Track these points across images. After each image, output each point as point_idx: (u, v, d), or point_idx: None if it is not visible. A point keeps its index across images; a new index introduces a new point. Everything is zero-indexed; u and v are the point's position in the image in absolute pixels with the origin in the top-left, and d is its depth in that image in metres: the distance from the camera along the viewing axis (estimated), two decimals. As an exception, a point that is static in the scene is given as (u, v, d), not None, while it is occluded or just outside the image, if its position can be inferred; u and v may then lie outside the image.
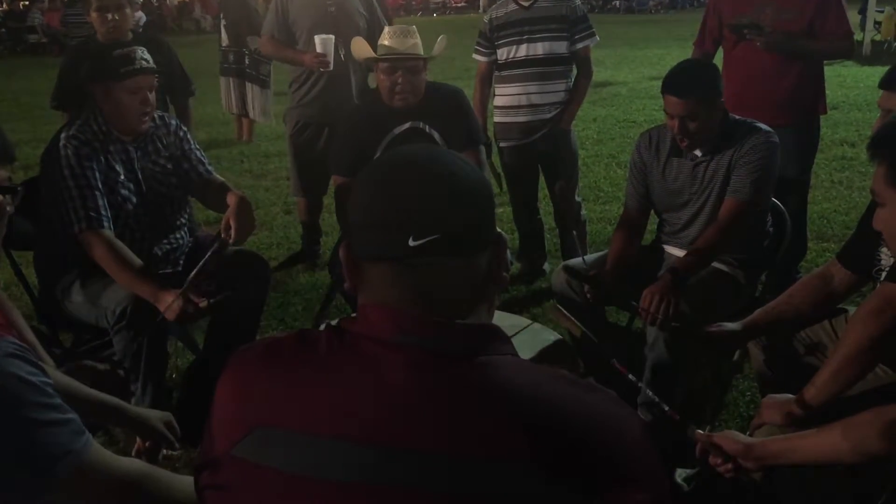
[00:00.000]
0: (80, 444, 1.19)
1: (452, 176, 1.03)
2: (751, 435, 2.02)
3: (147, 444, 1.81)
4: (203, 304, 2.57)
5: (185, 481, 1.28)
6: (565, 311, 2.25)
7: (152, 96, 2.81)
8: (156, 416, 1.81)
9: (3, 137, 1.39)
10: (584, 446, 0.93)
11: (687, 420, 1.86)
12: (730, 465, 1.77)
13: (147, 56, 2.79)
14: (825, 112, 3.87)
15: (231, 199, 2.82)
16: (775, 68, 3.65)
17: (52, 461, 1.16)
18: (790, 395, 1.96)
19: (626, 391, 2.68)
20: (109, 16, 3.70)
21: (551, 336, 2.68)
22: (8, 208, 1.38)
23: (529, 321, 2.82)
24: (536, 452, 0.91)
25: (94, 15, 3.72)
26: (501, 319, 2.68)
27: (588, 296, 2.80)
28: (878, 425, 1.58)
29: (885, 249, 2.07)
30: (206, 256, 2.63)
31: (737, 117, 2.83)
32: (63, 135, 2.76)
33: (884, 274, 2.04)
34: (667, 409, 1.80)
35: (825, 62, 3.87)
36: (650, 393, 1.94)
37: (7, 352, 1.15)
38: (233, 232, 2.72)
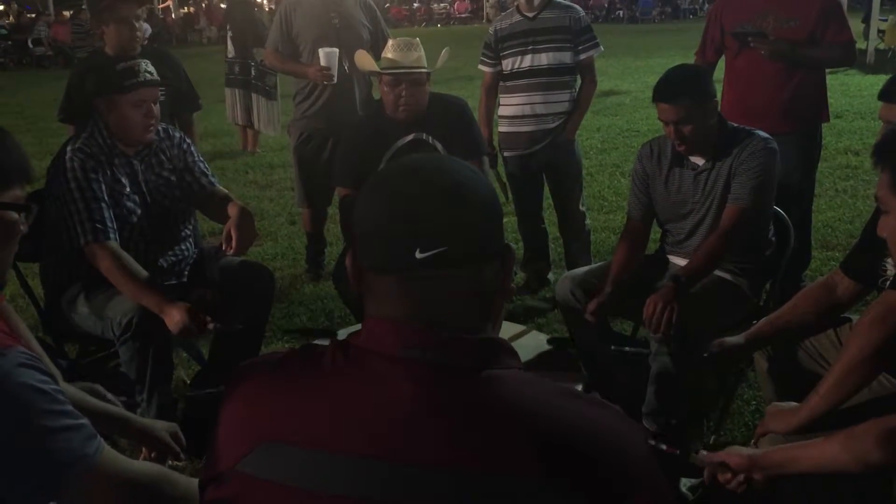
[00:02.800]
0: (93, 449, 1.21)
1: (460, 187, 1.02)
2: (755, 443, 2.02)
3: (152, 454, 1.81)
4: (210, 326, 2.57)
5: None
6: None
7: (157, 108, 2.82)
8: (161, 426, 1.82)
9: (22, 156, 1.40)
10: (589, 461, 0.93)
11: (688, 449, 1.86)
12: (741, 479, 1.77)
13: (151, 69, 2.80)
14: (827, 120, 3.88)
15: (232, 210, 2.83)
16: (778, 76, 3.66)
17: (65, 467, 1.18)
18: (794, 404, 1.96)
19: (630, 405, 2.70)
20: (127, 30, 3.68)
21: (547, 342, 2.69)
22: (21, 227, 1.39)
23: (524, 326, 2.83)
24: (542, 467, 0.91)
25: (112, 27, 3.69)
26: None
27: (589, 317, 2.81)
28: (878, 436, 1.58)
29: (890, 260, 2.07)
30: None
31: (735, 125, 2.84)
32: (69, 148, 2.77)
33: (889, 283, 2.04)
34: (664, 447, 1.79)
35: (828, 70, 3.88)
36: (657, 443, 1.94)
37: (18, 361, 1.18)
38: (234, 243, 2.73)
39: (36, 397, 1.17)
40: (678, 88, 2.71)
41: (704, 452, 1.87)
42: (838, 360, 1.91)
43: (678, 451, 1.79)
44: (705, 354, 2.30)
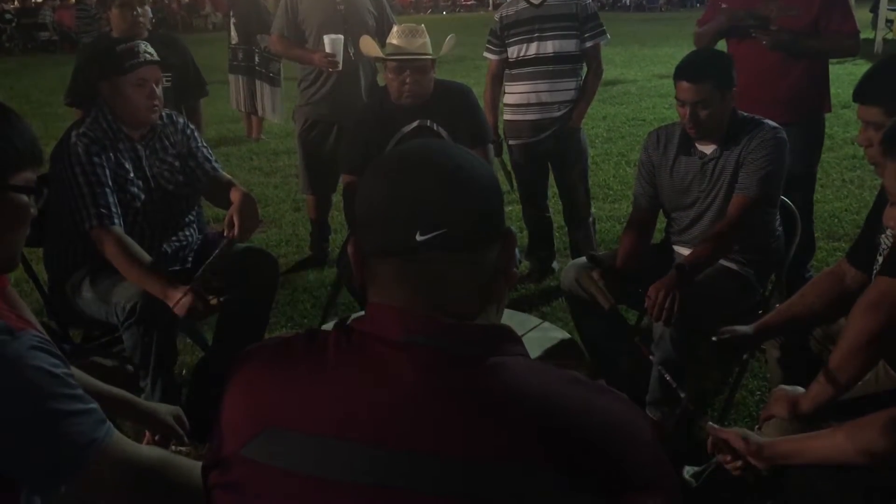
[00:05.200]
0: (103, 433, 1.22)
1: (459, 169, 1.02)
2: (759, 427, 2.02)
3: (156, 438, 1.82)
4: (213, 301, 2.57)
5: None
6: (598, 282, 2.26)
7: (159, 90, 2.82)
8: (165, 410, 1.82)
9: (34, 140, 1.40)
10: (595, 448, 0.93)
11: (700, 412, 1.86)
12: (738, 463, 1.77)
13: (151, 49, 2.80)
14: (829, 110, 3.85)
15: (235, 196, 2.83)
16: (780, 66, 3.63)
17: (76, 450, 1.19)
18: (800, 388, 1.96)
19: (636, 393, 2.70)
20: (130, 13, 3.69)
21: (560, 335, 2.69)
22: (32, 210, 1.40)
23: (539, 320, 2.83)
24: (548, 455, 0.90)
25: (115, 11, 3.71)
26: (510, 318, 2.69)
27: (598, 281, 2.77)
28: (883, 426, 1.58)
29: (882, 236, 2.06)
30: (215, 254, 2.65)
31: (744, 114, 2.82)
32: (73, 132, 2.77)
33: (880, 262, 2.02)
34: (683, 395, 1.79)
35: (835, 61, 3.85)
36: (668, 377, 1.93)
37: (31, 344, 1.18)
38: (236, 229, 2.73)
39: (48, 381, 1.18)
40: (703, 69, 2.69)
41: (712, 424, 1.86)
42: (837, 347, 1.90)
43: (693, 407, 1.78)
44: (714, 339, 2.29)
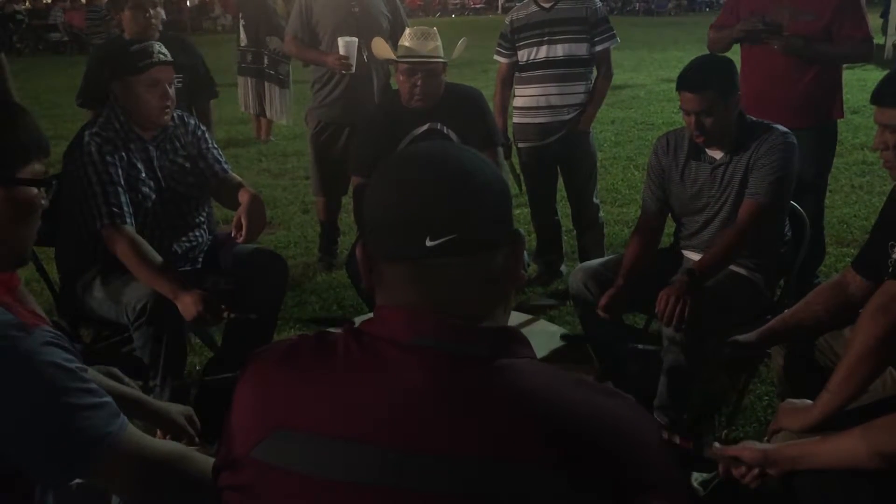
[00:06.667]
0: (117, 427, 1.23)
1: (468, 174, 1.02)
2: (768, 440, 2.01)
3: (167, 437, 1.82)
4: (225, 313, 2.58)
5: None
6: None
7: (172, 91, 2.83)
8: (176, 409, 1.83)
9: (38, 132, 1.42)
10: (603, 451, 0.93)
11: (702, 441, 1.85)
12: (755, 472, 1.76)
13: (164, 50, 2.81)
14: (842, 116, 3.83)
15: (243, 197, 2.84)
16: (792, 70, 3.62)
17: (90, 444, 1.20)
18: (808, 401, 1.95)
19: (643, 396, 2.69)
20: (142, 15, 3.71)
21: (559, 332, 2.71)
22: (42, 202, 1.41)
23: (530, 316, 2.85)
24: (555, 456, 0.91)
25: (127, 13, 3.72)
26: (515, 319, 2.70)
27: (601, 312, 2.80)
28: (895, 428, 1.57)
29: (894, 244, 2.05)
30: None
31: (753, 119, 2.82)
32: (87, 132, 2.78)
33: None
34: (678, 439, 1.79)
35: (846, 66, 3.83)
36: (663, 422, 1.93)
37: (44, 340, 1.19)
38: (244, 230, 2.74)
39: (62, 375, 1.19)
40: (704, 78, 2.69)
41: (718, 445, 1.86)
42: (845, 354, 1.89)
43: (692, 444, 1.78)
44: (718, 354, 2.29)
